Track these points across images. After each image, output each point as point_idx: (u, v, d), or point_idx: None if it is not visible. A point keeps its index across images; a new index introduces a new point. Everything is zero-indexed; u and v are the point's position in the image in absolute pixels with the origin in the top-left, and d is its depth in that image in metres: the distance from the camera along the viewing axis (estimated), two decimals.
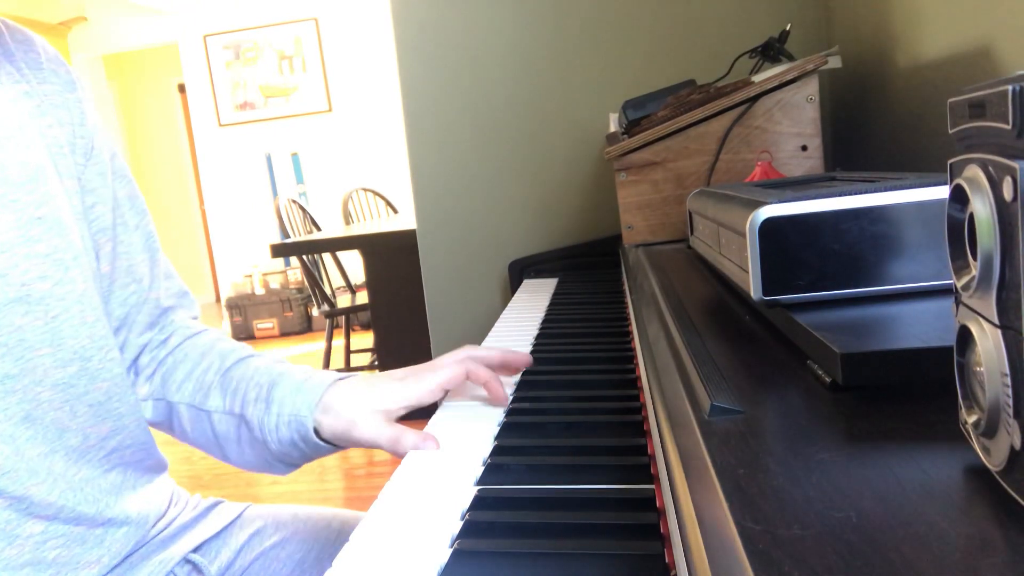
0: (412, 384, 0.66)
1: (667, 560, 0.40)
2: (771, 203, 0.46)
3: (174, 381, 0.73)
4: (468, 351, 0.70)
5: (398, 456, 0.62)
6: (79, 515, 0.62)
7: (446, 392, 0.69)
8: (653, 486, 0.48)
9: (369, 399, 0.66)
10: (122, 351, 0.73)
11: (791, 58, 1.17)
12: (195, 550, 0.73)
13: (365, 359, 3.82)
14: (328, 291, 3.45)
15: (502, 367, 0.73)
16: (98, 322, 0.65)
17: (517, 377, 0.76)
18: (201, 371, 0.72)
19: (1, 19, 0.67)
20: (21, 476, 0.58)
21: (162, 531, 0.72)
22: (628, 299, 0.93)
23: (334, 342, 3.57)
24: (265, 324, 5.50)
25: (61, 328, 0.61)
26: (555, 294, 1.22)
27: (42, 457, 0.60)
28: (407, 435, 0.63)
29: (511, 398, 0.70)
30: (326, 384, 0.68)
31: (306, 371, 0.70)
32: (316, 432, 0.67)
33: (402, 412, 0.66)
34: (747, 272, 0.47)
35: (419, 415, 0.66)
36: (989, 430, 0.25)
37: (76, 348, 0.62)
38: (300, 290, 5.56)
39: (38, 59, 0.67)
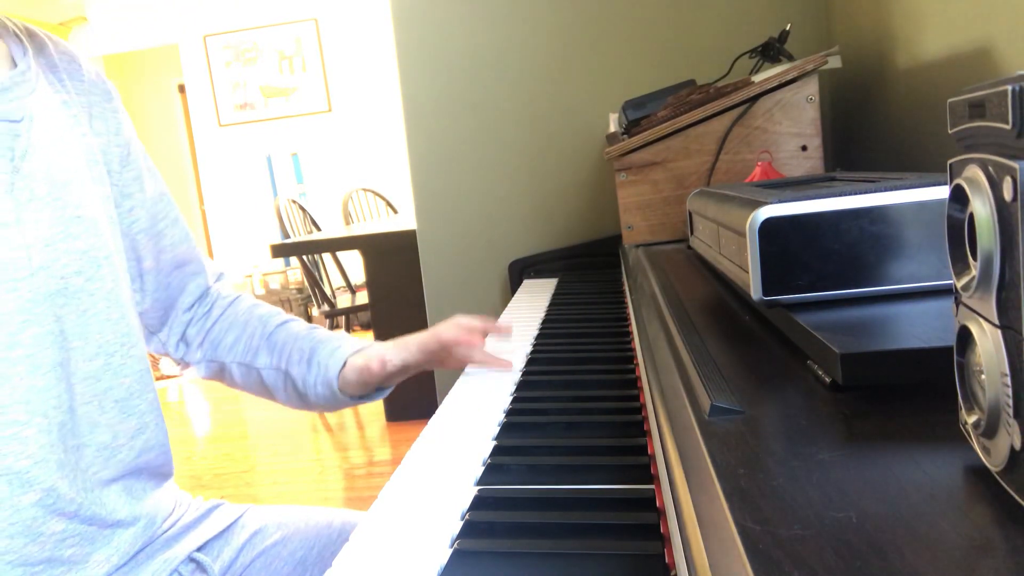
0: (419, 334, 0.83)
1: (667, 560, 0.40)
2: (771, 203, 0.46)
3: (224, 345, 0.84)
4: (457, 317, 0.84)
5: (426, 368, 0.81)
6: (94, 515, 0.64)
7: (445, 352, 0.83)
8: (653, 486, 0.48)
9: (388, 342, 0.83)
10: (170, 328, 0.83)
11: (791, 58, 1.17)
12: (199, 549, 0.74)
13: None
14: (328, 291, 3.45)
15: (484, 328, 0.86)
16: (122, 320, 0.68)
17: (518, 377, 0.77)
18: (248, 335, 0.84)
19: (45, 33, 0.71)
20: (51, 467, 0.60)
21: (167, 531, 0.73)
22: (628, 299, 0.93)
23: None
24: None
25: (89, 323, 0.65)
26: (555, 294, 1.22)
27: (74, 450, 0.63)
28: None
29: (511, 397, 0.70)
30: (352, 350, 0.82)
31: (340, 339, 0.84)
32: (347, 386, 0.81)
33: (416, 349, 0.82)
34: (747, 272, 0.47)
35: (419, 416, 0.67)
36: (989, 430, 0.25)
37: (101, 343, 0.66)
38: (300, 290, 5.56)
39: (80, 72, 0.72)
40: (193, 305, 0.84)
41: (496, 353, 0.86)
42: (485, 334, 0.85)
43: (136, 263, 0.77)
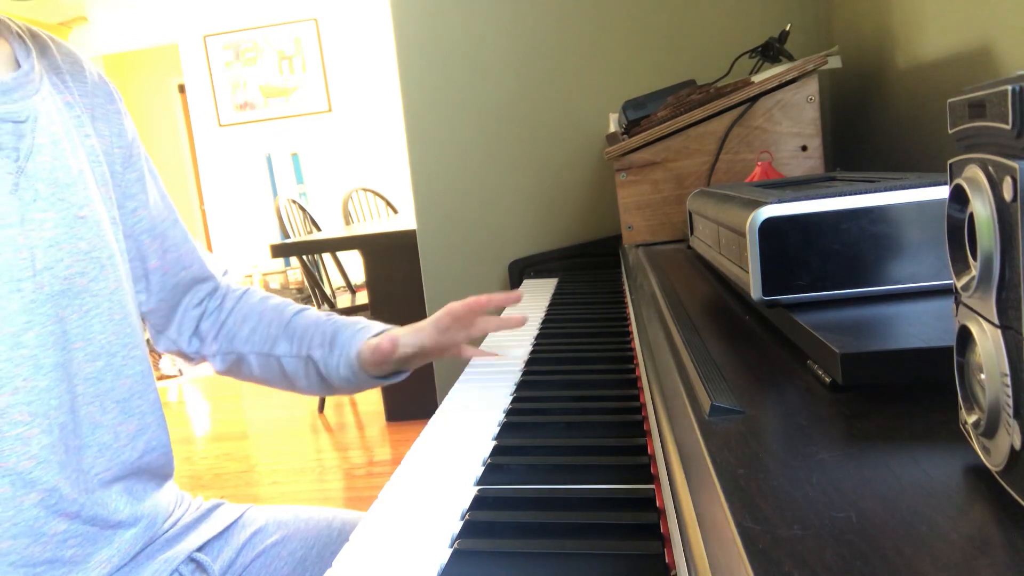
0: (432, 316, 0.82)
1: (667, 560, 0.40)
2: (771, 203, 0.46)
3: (240, 336, 0.85)
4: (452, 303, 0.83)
5: (441, 353, 0.82)
6: (96, 515, 0.64)
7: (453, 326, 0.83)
8: (653, 486, 0.48)
9: (405, 327, 0.83)
10: (181, 326, 0.83)
11: (791, 58, 1.17)
12: (199, 549, 0.75)
13: None
14: (328, 291, 3.45)
15: (488, 303, 0.85)
16: (123, 320, 0.69)
17: (518, 377, 0.77)
18: (264, 325, 0.85)
19: (48, 35, 0.72)
20: (53, 468, 0.61)
21: (167, 531, 0.74)
22: (628, 299, 0.93)
23: None
24: None
25: (92, 323, 0.65)
26: (555, 294, 1.22)
27: (76, 451, 0.63)
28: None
29: (511, 397, 0.70)
30: (375, 330, 0.83)
31: (361, 322, 0.85)
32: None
33: (431, 329, 0.81)
34: (747, 272, 0.47)
35: (419, 416, 0.67)
36: (989, 430, 0.25)
37: (103, 343, 0.66)
38: (300, 290, 5.56)
39: (83, 74, 0.72)
40: (203, 300, 0.85)
41: (497, 348, 0.86)
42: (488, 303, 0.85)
43: (140, 263, 0.77)
